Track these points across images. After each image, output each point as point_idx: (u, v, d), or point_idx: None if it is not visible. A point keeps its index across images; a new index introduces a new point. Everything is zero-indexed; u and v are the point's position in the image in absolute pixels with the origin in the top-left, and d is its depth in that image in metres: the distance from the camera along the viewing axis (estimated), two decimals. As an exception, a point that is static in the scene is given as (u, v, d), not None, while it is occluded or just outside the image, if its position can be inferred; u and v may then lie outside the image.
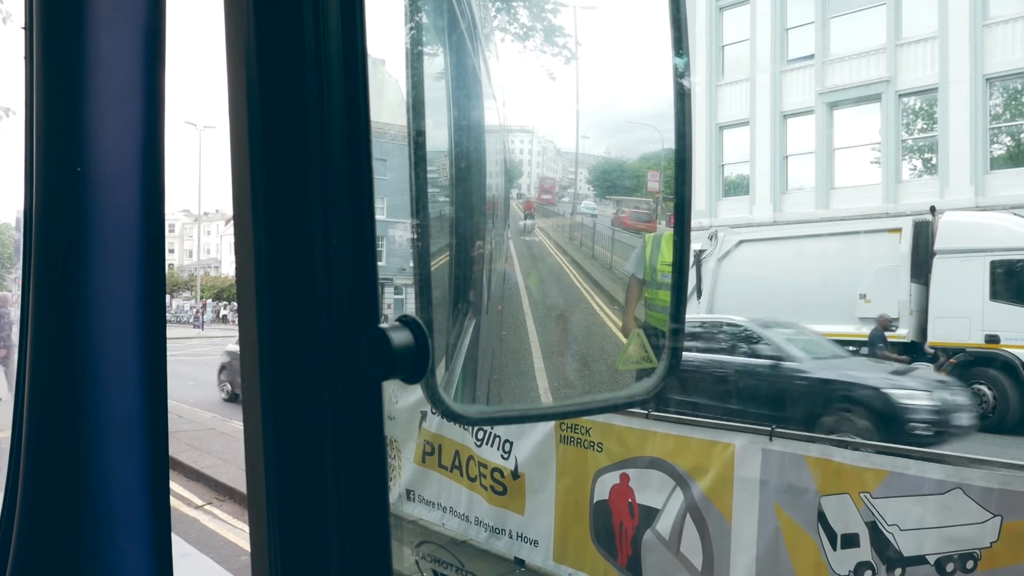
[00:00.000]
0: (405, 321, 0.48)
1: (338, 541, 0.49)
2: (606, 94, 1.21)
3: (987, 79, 21.91)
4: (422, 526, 6.22)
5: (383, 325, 0.47)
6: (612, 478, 4.67)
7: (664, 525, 4.33)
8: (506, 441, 5.47)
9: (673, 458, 4.30)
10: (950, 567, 3.11)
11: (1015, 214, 14.35)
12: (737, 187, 27.43)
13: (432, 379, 0.50)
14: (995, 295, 12.81)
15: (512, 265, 1.14)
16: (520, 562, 5.35)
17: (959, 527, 3.09)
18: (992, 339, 12.57)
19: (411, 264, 0.54)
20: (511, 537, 5.42)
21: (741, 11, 27.20)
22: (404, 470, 6.46)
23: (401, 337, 0.48)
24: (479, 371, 0.80)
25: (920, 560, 3.22)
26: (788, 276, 14.68)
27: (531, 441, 5.25)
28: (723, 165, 27.98)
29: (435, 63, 1.14)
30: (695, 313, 16.31)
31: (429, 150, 1.10)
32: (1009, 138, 22.21)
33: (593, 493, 4.78)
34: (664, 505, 4.33)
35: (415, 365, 0.48)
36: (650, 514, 4.41)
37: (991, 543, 3.01)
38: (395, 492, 6.55)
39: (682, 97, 0.65)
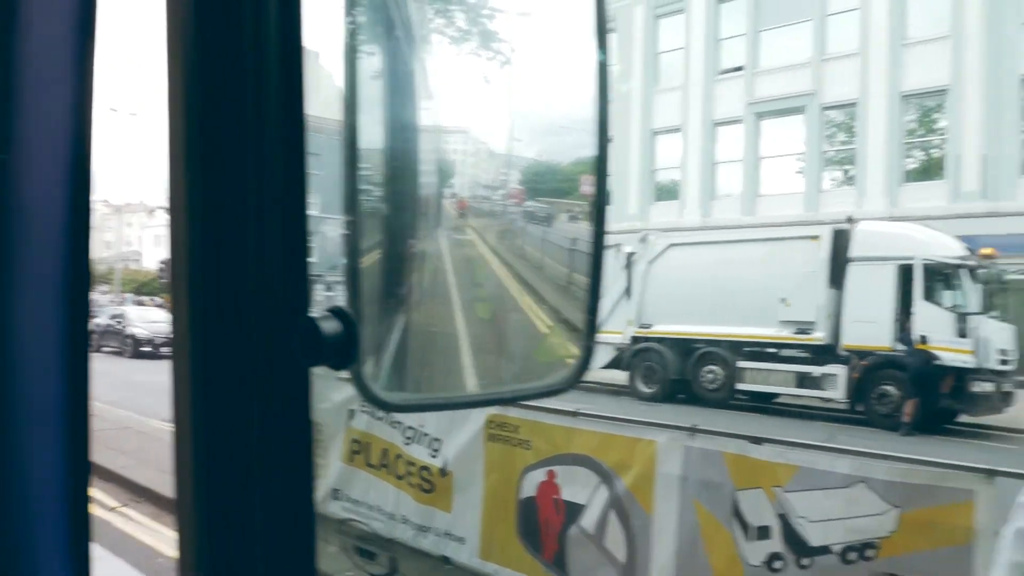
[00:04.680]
0: (335, 311, 0.51)
1: (264, 518, 0.51)
2: (539, 99, 1.26)
3: (903, 96, 23.09)
4: (348, 525, 6.17)
5: (314, 314, 0.50)
6: (539, 475, 4.75)
7: (589, 520, 4.43)
8: (435, 439, 5.48)
9: (599, 455, 4.40)
10: (852, 556, 3.30)
11: (925, 225, 15.18)
12: (669, 192, 28.08)
13: (360, 367, 0.53)
14: (903, 300, 13.55)
15: (444, 262, 1.18)
16: (446, 560, 5.37)
17: (862, 518, 3.29)
18: (902, 341, 13.28)
19: (342, 258, 0.56)
20: (437, 535, 5.44)
21: (676, 20, 27.85)
22: (331, 469, 6.39)
23: (331, 326, 0.51)
24: (408, 362, 0.84)
25: (825, 550, 3.41)
26: (714, 279, 15.15)
27: (460, 439, 5.28)
28: (655, 170, 28.59)
29: (371, 62, 1.16)
30: (625, 315, 16.70)
31: (365, 148, 1.12)
32: (922, 153, 23.47)
33: (520, 490, 4.84)
34: (589, 501, 4.43)
35: (344, 352, 0.51)
36: (575, 510, 4.51)
37: (890, 532, 3.22)
38: (321, 491, 6.47)
39: (602, 104, 0.70)
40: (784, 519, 3.55)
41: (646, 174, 28.37)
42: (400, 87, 1.19)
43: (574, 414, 4.63)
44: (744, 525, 3.73)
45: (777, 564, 3.59)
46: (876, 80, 23.40)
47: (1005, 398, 13.41)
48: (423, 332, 0.82)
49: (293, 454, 0.52)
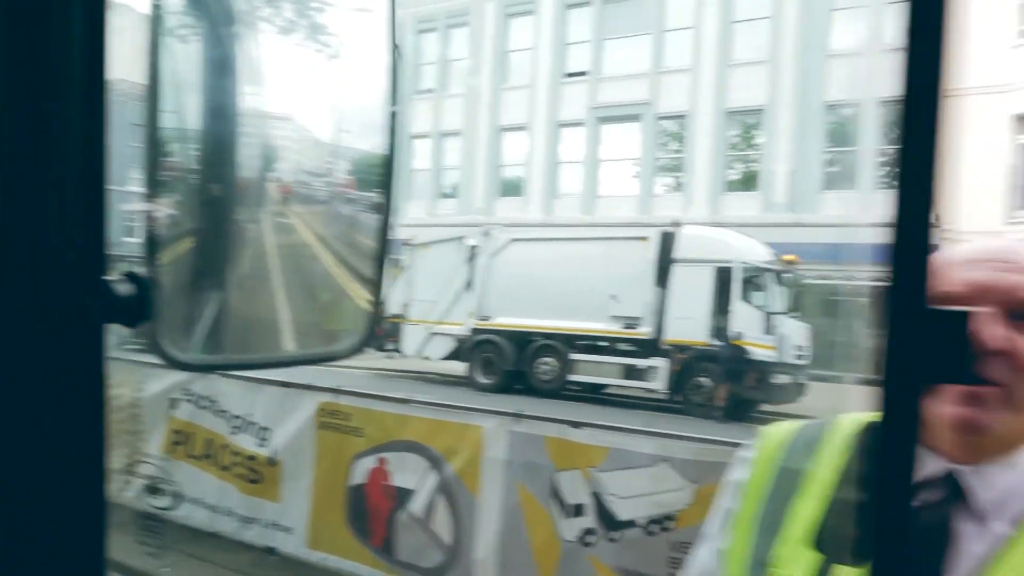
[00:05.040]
0: (129, 274, 0.55)
1: (56, 502, 0.52)
2: (372, 93, 1.33)
3: (728, 112, 25.12)
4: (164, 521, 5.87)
5: (108, 277, 0.54)
6: (370, 462, 4.78)
7: (417, 505, 4.52)
8: (263, 428, 5.35)
9: (429, 441, 4.51)
10: (655, 528, 3.64)
11: (740, 232, 16.64)
12: (514, 188, 28.75)
13: (155, 327, 0.58)
14: (719, 299, 14.82)
15: (262, 241, 1.22)
16: (271, 551, 5.26)
17: (664, 493, 3.63)
18: (718, 337, 14.52)
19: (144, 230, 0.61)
20: (264, 526, 5.32)
21: (526, 20, 28.51)
22: (149, 461, 6.05)
23: (125, 288, 0.55)
24: (213, 329, 0.88)
25: (632, 524, 3.73)
26: (553, 275, 15.76)
27: (290, 428, 5.19)
28: (501, 166, 29.15)
29: (191, 42, 1.18)
30: (466, 307, 16.99)
31: (184, 127, 1.15)
32: (743, 165, 25.67)
33: (351, 477, 4.85)
34: (418, 486, 4.53)
35: (136, 312, 0.56)
36: (405, 495, 4.59)
37: (687, 505, 3.58)
38: (138, 485, 6.10)
39: (392, 95, 0.79)
40: (597, 497, 3.84)
41: (492, 169, 28.87)
42: (221, 70, 1.21)
43: (406, 401, 4.71)
44: (561, 504, 3.98)
45: (590, 539, 3.87)
46: (705, 95, 25.29)
47: (800, 389, 15.03)
48: (232, 303, 0.88)
49: (87, 408, 0.55)
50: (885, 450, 0.30)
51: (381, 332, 18.98)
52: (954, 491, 0.90)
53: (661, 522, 3.61)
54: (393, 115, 0.79)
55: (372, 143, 1.53)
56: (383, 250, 0.79)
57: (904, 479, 0.30)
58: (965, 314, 0.31)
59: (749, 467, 1.08)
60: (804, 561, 0.89)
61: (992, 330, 0.88)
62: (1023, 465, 0.89)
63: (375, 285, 0.79)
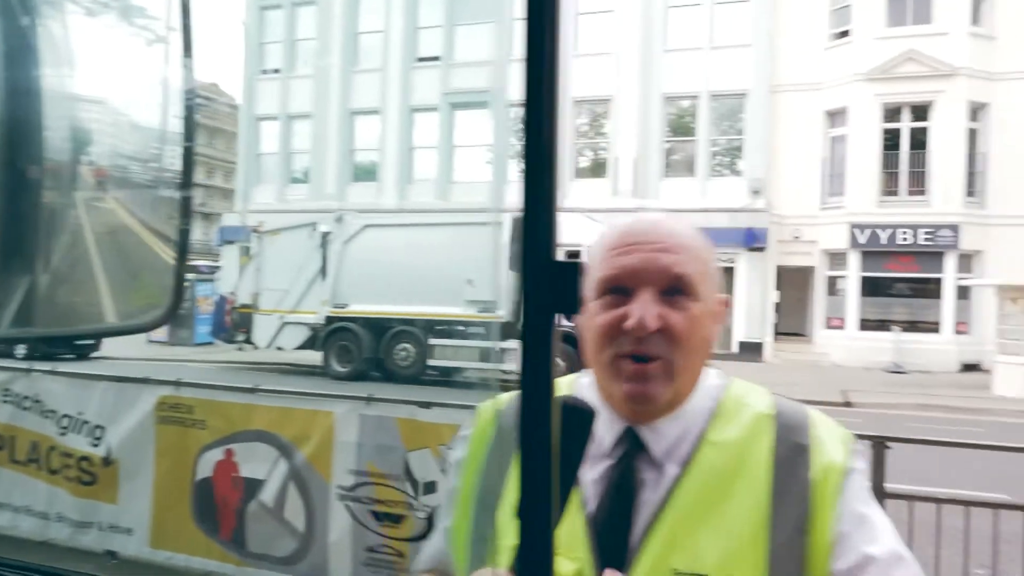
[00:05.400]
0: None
1: None
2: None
3: (576, 101, 25.97)
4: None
5: None
6: (216, 454, 4.65)
7: (268, 495, 4.46)
8: (97, 427, 5.05)
9: (278, 429, 4.45)
10: (501, 498, 3.83)
11: (589, 217, 17.35)
12: (367, 173, 28.27)
13: None
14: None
15: (77, 224, 1.23)
16: (112, 554, 5.00)
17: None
18: (568, 316, 15.12)
19: None
20: (101, 529, 5.03)
21: (376, 3, 27.99)
22: (-37, 470, 5.53)
23: None
24: (34, 309, 0.90)
25: (479, 495, 3.89)
26: (408, 261, 15.73)
27: (126, 424, 4.93)
28: (353, 151, 28.58)
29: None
30: (319, 295, 16.62)
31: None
32: (592, 153, 26.67)
33: (196, 472, 4.69)
34: (268, 475, 4.46)
35: None
36: (254, 486, 4.51)
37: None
38: (-50, 498, 5.57)
39: (187, 77, 0.85)
40: (447, 473, 3.97)
41: (344, 154, 28.24)
42: (19, 49, 1.20)
43: (252, 391, 4.62)
44: (414, 482, 4.08)
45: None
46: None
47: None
48: (41, 282, 0.90)
49: None
50: (524, 369, 0.42)
51: (230, 323, 18.18)
52: (634, 445, 1.01)
53: (507, 492, 3.79)
54: (190, 104, 0.84)
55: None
56: (186, 225, 0.85)
57: (543, 402, 0.41)
58: (578, 264, 0.43)
59: (466, 444, 1.12)
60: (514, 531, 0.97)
61: (649, 310, 0.95)
62: (686, 414, 1.03)
63: (179, 259, 0.85)
